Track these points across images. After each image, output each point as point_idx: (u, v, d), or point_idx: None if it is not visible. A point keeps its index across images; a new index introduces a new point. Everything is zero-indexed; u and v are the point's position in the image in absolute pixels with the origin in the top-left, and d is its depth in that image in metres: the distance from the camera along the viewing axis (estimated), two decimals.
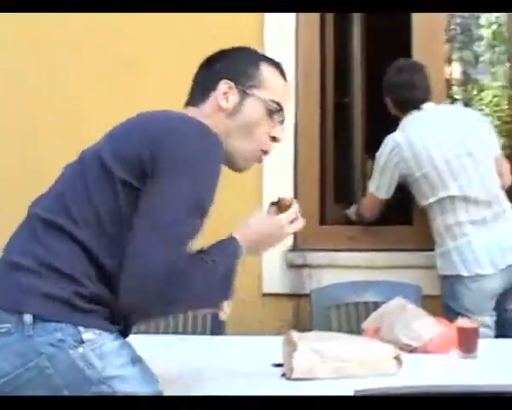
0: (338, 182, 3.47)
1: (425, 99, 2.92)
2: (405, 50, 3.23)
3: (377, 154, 2.94)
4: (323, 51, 3.35)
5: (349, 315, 2.83)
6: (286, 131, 3.05)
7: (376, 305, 2.69)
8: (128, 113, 1.67)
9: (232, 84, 1.65)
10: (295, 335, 1.88)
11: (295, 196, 3.17)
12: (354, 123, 3.66)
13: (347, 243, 3.17)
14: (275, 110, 1.69)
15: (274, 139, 1.73)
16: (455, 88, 8.80)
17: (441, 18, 3.26)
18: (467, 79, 9.34)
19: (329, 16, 3.46)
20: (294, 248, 3.19)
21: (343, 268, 3.12)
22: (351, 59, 3.71)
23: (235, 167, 1.74)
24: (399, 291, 2.75)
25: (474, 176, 2.80)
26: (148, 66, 3.25)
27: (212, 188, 1.53)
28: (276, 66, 1.73)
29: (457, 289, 2.76)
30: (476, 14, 8.64)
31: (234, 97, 1.65)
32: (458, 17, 8.51)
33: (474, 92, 9.36)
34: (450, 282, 2.80)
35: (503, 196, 2.87)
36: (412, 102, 2.91)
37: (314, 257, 3.16)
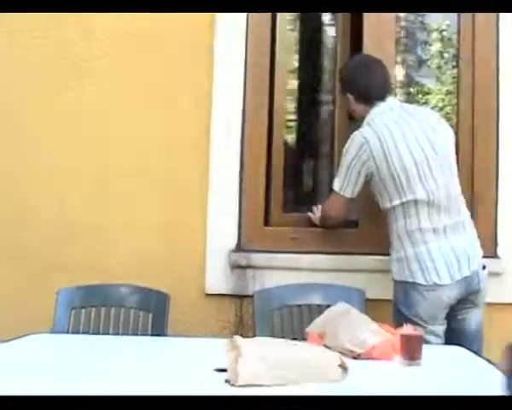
0: (285, 184, 3.43)
1: (387, 91, 2.85)
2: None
3: (343, 150, 2.83)
4: (273, 54, 3.32)
5: (292, 318, 2.81)
6: (233, 134, 3.15)
7: (320, 308, 2.69)
8: None
9: None
10: (240, 340, 1.84)
11: (240, 198, 3.16)
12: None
13: (291, 245, 3.17)
14: None
15: None
16: (398, 90, 8.89)
17: (390, 21, 3.26)
18: (409, 82, 9.44)
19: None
20: (238, 248, 3.18)
21: (287, 270, 3.11)
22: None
23: None
24: (343, 295, 2.78)
25: (439, 181, 2.72)
26: None
27: None
28: None
29: (412, 297, 2.70)
30: (422, 17, 8.73)
31: None
32: (403, 20, 8.59)
33: (419, 96, 9.47)
34: (405, 288, 2.73)
35: (464, 204, 2.81)
36: (376, 93, 2.82)
37: (258, 258, 3.15)
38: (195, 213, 3.16)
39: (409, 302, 2.70)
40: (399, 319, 2.61)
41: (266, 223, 3.24)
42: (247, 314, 3.09)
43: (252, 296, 2.92)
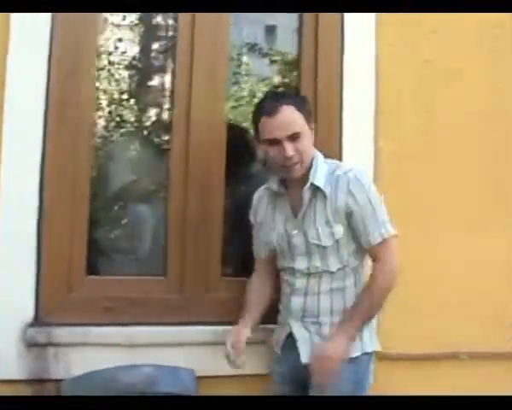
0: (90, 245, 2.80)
1: None
2: None
3: (365, 190, 2.38)
4: None
5: None
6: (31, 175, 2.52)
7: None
8: None
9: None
10: None
11: (38, 264, 2.53)
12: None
13: (104, 317, 2.59)
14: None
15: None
16: None
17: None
18: None
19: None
20: (36, 322, 2.52)
21: (98, 347, 2.54)
22: None
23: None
24: (171, 376, 2.44)
25: None
26: None
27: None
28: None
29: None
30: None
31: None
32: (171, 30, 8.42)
33: None
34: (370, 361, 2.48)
35: None
36: None
37: (62, 333, 2.53)
38: None
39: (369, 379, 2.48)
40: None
41: (70, 289, 2.62)
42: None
43: (57, 381, 2.38)
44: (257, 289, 2.59)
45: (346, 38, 2.94)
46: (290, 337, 2.47)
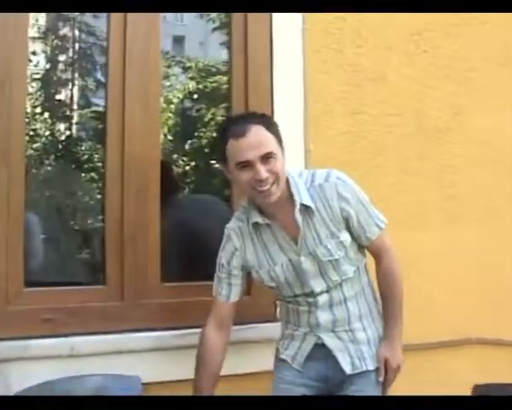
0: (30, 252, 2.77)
1: None
2: None
3: (353, 188, 2.32)
4: None
5: None
6: None
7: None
8: None
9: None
10: None
11: None
12: None
13: (43, 328, 2.55)
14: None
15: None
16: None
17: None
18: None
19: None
20: None
21: (38, 360, 2.49)
22: None
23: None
24: (119, 384, 2.39)
25: None
26: None
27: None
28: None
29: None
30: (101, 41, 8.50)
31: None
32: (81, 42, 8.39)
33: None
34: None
35: None
36: None
37: (1, 348, 2.46)
38: None
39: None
40: None
41: (8, 301, 2.55)
42: None
43: None
44: (216, 358, 2.37)
45: (275, 45, 2.99)
46: (314, 349, 2.40)
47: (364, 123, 3.13)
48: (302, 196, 2.27)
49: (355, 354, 2.37)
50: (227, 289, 2.39)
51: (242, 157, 2.18)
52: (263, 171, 2.17)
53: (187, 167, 7.11)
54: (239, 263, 2.38)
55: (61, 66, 8.39)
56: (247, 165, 2.18)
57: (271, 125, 2.26)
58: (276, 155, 2.21)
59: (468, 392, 2.67)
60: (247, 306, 2.69)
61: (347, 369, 2.35)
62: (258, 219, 2.32)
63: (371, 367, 2.37)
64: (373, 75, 3.16)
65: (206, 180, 6.46)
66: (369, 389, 2.36)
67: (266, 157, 2.18)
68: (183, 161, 7.15)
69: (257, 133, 2.18)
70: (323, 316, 2.36)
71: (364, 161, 3.11)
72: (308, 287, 2.34)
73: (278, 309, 2.60)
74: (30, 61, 6.69)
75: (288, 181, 2.28)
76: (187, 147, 7.44)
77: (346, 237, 2.32)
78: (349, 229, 2.33)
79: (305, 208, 2.27)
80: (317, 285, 2.33)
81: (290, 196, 2.28)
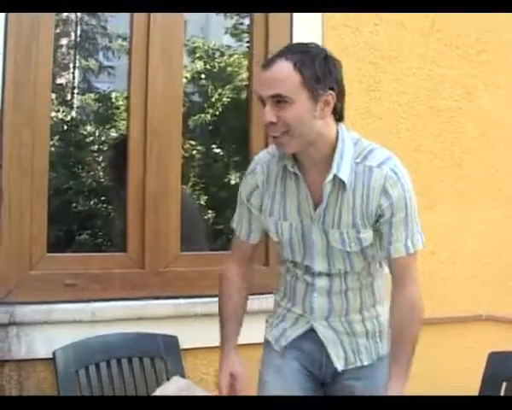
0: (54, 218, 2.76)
1: None
2: None
3: (404, 190, 1.97)
4: None
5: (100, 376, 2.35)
6: None
7: (131, 362, 2.40)
8: None
9: None
10: None
11: None
12: None
13: (66, 293, 2.58)
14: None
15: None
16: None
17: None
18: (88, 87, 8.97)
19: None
20: None
21: (60, 324, 2.52)
22: None
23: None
24: (153, 344, 2.53)
25: None
26: None
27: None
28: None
29: None
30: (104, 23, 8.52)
31: None
32: (84, 25, 8.46)
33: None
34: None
35: None
36: None
37: (23, 312, 2.48)
38: None
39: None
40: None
41: (32, 266, 2.57)
42: (10, 384, 2.44)
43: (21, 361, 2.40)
44: (236, 297, 2.20)
45: (295, 25, 3.00)
46: (305, 336, 2.16)
47: (381, 100, 3.16)
48: (341, 168, 1.95)
49: (349, 347, 2.12)
50: (247, 228, 2.17)
51: (257, 91, 1.96)
52: (268, 113, 1.88)
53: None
54: (258, 203, 2.11)
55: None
56: (262, 101, 1.92)
57: (311, 66, 1.86)
58: (293, 100, 1.85)
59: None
60: (265, 276, 2.75)
61: (339, 365, 2.11)
62: (289, 163, 2.01)
63: (366, 363, 2.12)
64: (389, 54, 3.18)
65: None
66: (365, 382, 2.11)
67: (277, 99, 1.86)
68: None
69: (278, 69, 1.86)
70: (319, 300, 2.10)
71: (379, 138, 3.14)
72: (309, 260, 2.08)
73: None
74: None
75: (336, 142, 1.96)
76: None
77: (367, 235, 2.00)
78: (376, 228, 2.00)
79: (339, 182, 1.96)
80: (319, 264, 2.07)
81: (331, 159, 1.96)
